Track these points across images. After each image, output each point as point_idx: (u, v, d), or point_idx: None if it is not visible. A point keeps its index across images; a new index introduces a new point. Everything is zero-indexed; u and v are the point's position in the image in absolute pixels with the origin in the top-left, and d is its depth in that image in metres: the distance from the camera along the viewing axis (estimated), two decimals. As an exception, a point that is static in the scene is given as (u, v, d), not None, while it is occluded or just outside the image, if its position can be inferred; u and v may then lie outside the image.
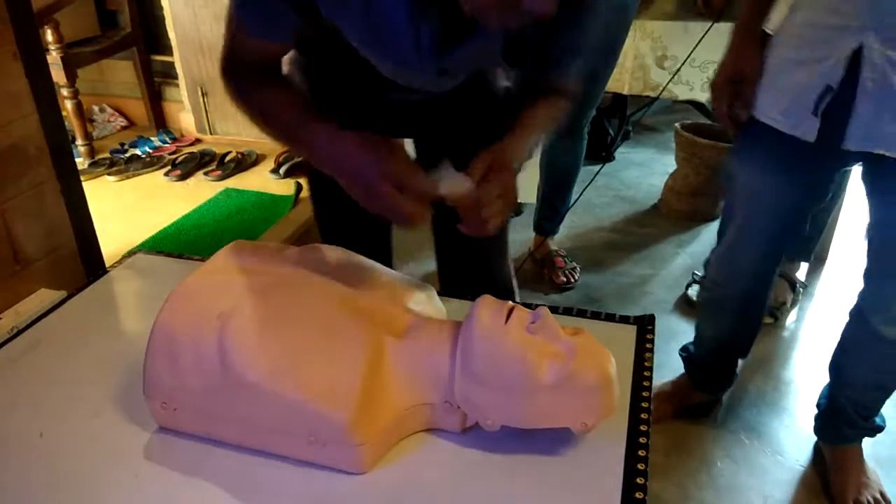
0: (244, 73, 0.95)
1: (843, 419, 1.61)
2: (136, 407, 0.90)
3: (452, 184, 0.88)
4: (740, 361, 1.83)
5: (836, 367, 1.60)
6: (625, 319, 1.09)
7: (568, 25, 0.94)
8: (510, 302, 0.85)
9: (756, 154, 1.43)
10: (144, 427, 0.89)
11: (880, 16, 1.12)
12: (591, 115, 2.23)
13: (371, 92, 1.11)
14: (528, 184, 2.73)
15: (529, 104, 1.03)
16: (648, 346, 1.03)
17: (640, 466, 0.82)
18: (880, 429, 1.60)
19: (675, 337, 2.00)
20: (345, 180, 0.87)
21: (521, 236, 2.71)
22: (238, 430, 0.84)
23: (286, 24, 0.90)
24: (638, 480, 0.80)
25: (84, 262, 1.57)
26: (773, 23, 1.35)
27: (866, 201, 1.39)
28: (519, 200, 2.82)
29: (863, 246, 1.43)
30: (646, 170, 3.26)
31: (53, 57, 2.84)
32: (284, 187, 2.82)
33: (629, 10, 2.05)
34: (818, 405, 1.68)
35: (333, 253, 0.98)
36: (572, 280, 2.40)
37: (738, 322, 1.69)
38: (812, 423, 1.71)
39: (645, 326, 1.07)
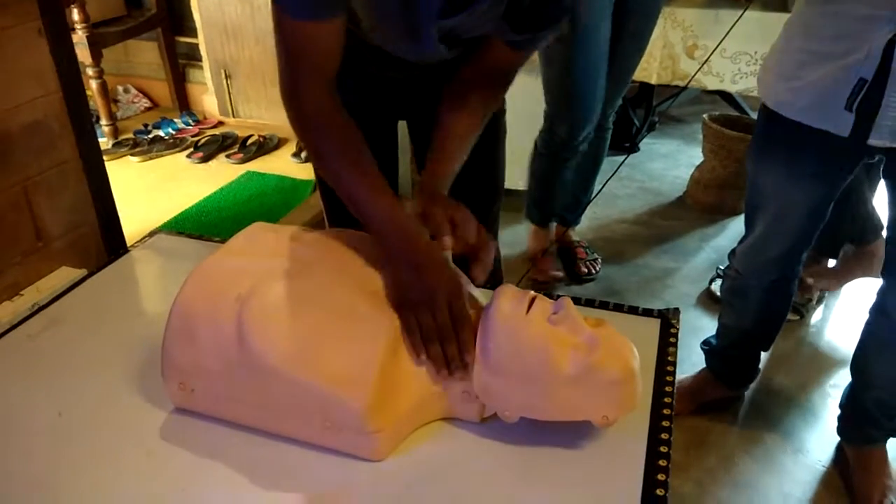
0: (310, 106, 0.93)
1: (866, 420, 1.57)
2: (153, 387, 0.90)
3: None
4: (763, 356, 1.79)
5: (857, 366, 1.56)
6: (648, 312, 1.07)
7: None
8: (532, 292, 0.83)
9: (779, 150, 1.38)
10: (161, 407, 0.89)
11: None
12: (617, 105, 2.19)
13: (373, 71, 1.11)
14: (515, 169, 2.70)
15: (465, 100, 1.03)
16: (672, 340, 1.01)
17: (662, 462, 0.80)
18: None
19: (697, 332, 1.97)
20: (406, 275, 0.85)
21: (516, 224, 2.69)
22: (254, 412, 0.83)
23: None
24: (659, 477, 0.78)
25: (105, 242, 1.58)
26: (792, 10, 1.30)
27: (888, 196, 1.36)
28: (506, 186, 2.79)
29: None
30: (671, 161, 3.21)
31: (79, 36, 2.85)
32: (305, 171, 2.81)
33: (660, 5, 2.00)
34: (841, 405, 1.65)
35: (353, 237, 0.97)
36: (593, 271, 2.37)
37: (762, 314, 1.66)
38: (835, 423, 1.68)
39: (669, 320, 1.05)
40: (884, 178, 1.36)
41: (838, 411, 1.66)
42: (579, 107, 2.00)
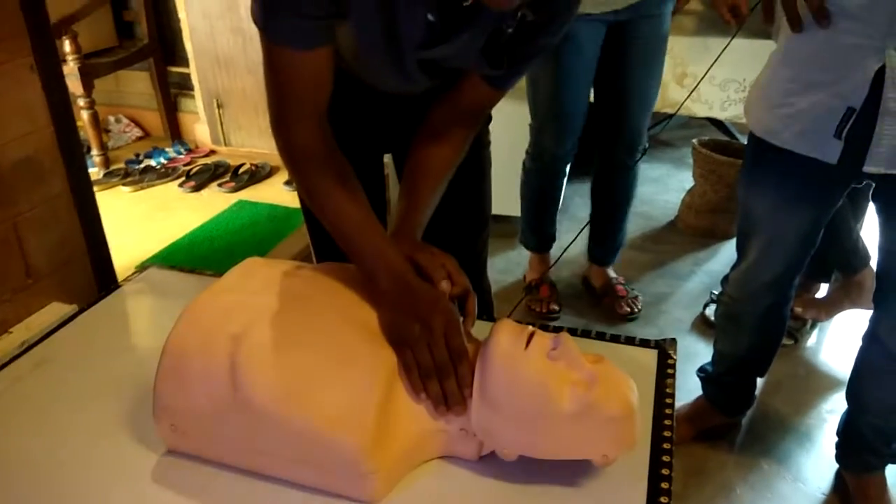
0: (300, 140, 0.92)
1: (864, 447, 1.56)
2: (144, 428, 0.88)
3: None
4: (759, 382, 1.78)
5: (853, 393, 1.56)
6: (645, 343, 1.06)
7: (541, 28, 0.93)
8: (530, 327, 0.83)
9: (769, 177, 1.39)
10: (153, 449, 0.87)
11: None
12: (644, 139, 2.14)
13: (357, 105, 1.11)
14: (510, 195, 2.69)
15: (438, 142, 1.03)
16: (670, 371, 1.00)
17: (664, 500, 0.79)
18: None
19: (693, 358, 1.97)
20: (400, 311, 0.85)
21: (509, 250, 2.69)
22: (248, 454, 0.82)
23: (314, 25, 0.86)
24: (661, 515, 0.77)
25: (96, 276, 1.56)
26: (778, 39, 1.31)
27: (877, 220, 1.37)
28: (498, 213, 2.78)
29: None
30: (661, 186, 3.22)
31: (70, 67, 2.86)
32: (298, 200, 2.81)
33: (664, 31, 1.99)
34: (838, 433, 1.64)
35: (348, 272, 0.96)
36: (636, 310, 2.32)
37: (757, 339, 1.66)
38: (833, 449, 1.67)
39: (665, 351, 1.04)
40: (873, 201, 1.36)
41: (835, 438, 1.65)
42: (564, 119, 2.05)
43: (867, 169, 1.19)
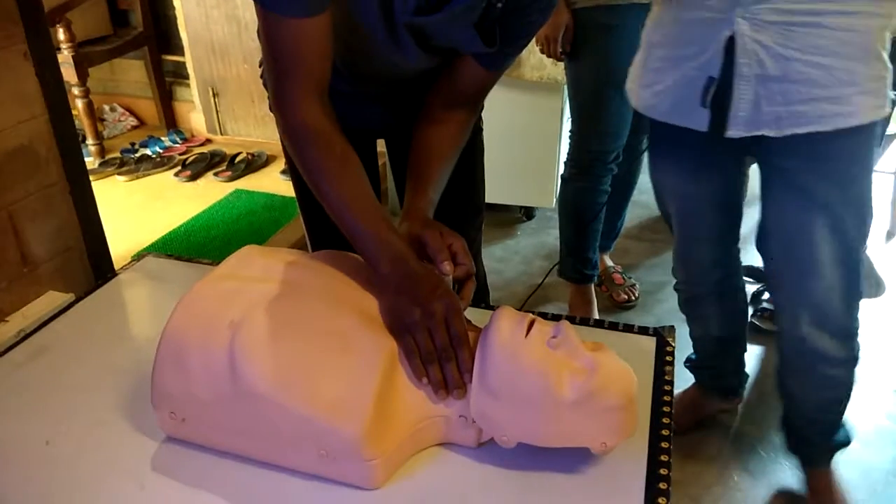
0: (301, 117, 0.91)
1: (802, 440, 1.57)
2: (143, 416, 0.88)
3: None
4: (752, 366, 1.78)
5: (781, 388, 1.56)
6: (644, 331, 1.06)
7: (532, 3, 0.93)
8: (531, 314, 0.83)
9: (663, 152, 1.46)
10: (152, 437, 0.87)
11: (746, 4, 1.14)
12: (649, 132, 2.13)
13: (349, 89, 1.10)
14: (543, 188, 2.69)
15: (441, 123, 1.03)
16: (668, 359, 1.00)
17: (662, 486, 0.79)
18: (845, 444, 1.55)
19: (690, 346, 1.97)
20: (400, 295, 0.84)
21: (533, 240, 2.69)
22: (247, 442, 0.82)
23: None
24: (660, 501, 0.77)
25: (93, 265, 1.56)
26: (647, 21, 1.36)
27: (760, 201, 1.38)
28: (531, 205, 2.79)
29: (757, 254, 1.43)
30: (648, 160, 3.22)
31: (65, 56, 2.84)
32: (293, 189, 2.80)
33: None
34: (781, 430, 1.63)
35: (346, 259, 0.96)
36: (633, 297, 2.32)
37: (721, 314, 1.66)
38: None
39: (664, 338, 1.04)
40: (759, 167, 1.38)
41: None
42: (611, 117, 1.94)
43: (729, 134, 1.23)
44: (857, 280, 1.34)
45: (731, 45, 1.17)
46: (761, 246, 1.45)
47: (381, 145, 1.30)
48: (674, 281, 1.68)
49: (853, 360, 1.42)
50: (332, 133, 0.92)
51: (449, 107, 1.04)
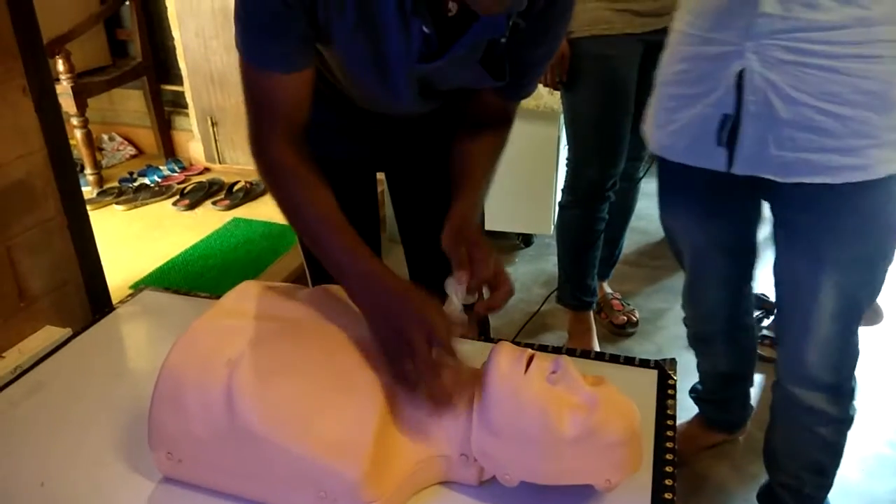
0: (276, 156, 0.92)
1: None
2: (140, 455, 0.87)
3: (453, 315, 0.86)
4: (755, 394, 1.77)
5: (767, 452, 1.51)
6: (645, 363, 1.06)
7: (538, 36, 0.94)
8: (530, 350, 0.82)
9: (676, 195, 1.42)
10: (149, 477, 0.86)
11: (757, 38, 1.09)
12: (646, 159, 2.11)
13: (352, 124, 1.11)
14: (541, 215, 2.69)
15: (474, 139, 1.03)
16: (671, 392, 0.99)
17: (667, 524, 0.78)
18: None
19: (692, 375, 1.94)
20: (377, 324, 0.83)
21: (531, 267, 2.68)
22: (245, 482, 0.80)
23: (294, 49, 0.88)
24: (665, 540, 0.76)
25: (90, 298, 1.55)
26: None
27: (774, 246, 1.33)
28: (529, 232, 2.79)
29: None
30: (657, 201, 3.22)
31: (64, 87, 2.85)
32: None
33: None
34: (758, 498, 1.58)
35: (345, 295, 0.95)
36: (632, 321, 2.31)
37: (730, 352, 1.65)
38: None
39: (665, 371, 1.04)
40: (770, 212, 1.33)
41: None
42: (608, 144, 1.94)
43: (734, 171, 1.18)
44: (856, 339, 1.29)
45: (741, 81, 1.12)
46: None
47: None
48: (674, 308, 1.67)
49: (846, 420, 1.36)
50: (303, 172, 0.92)
51: (477, 132, 1.04)
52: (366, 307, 0.85)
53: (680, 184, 1.38)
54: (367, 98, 1.02)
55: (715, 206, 1.36)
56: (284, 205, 0.94)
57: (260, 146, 0.93)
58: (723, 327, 1.58)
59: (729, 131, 1.16)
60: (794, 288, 1.29)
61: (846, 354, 1.30)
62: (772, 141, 1.12)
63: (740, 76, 1.12)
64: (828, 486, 1.45)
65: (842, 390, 1.33)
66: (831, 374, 1.30)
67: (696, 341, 1.69)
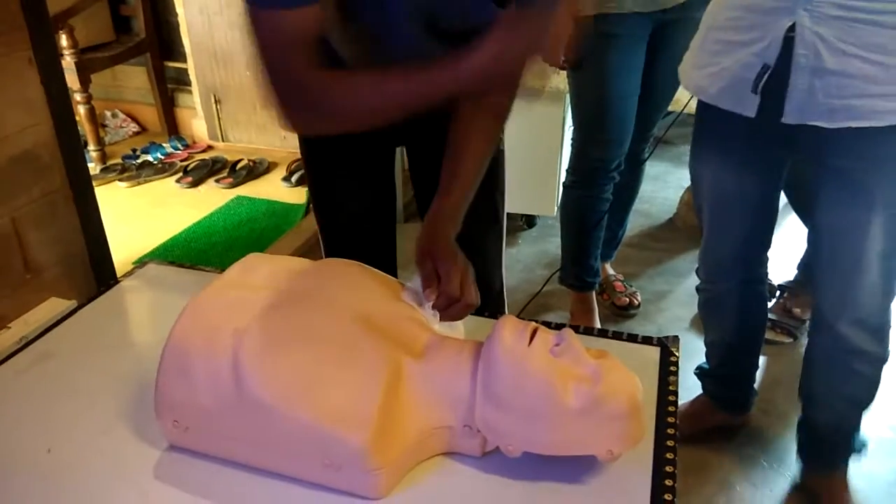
0: (308, 80, 0.86)
1: (822, 445, 1.57)
2: (146, 424, 0.88)
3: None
4: (759, 379, 1.78)
5: (805, 390, 1.57)
6: (648, 340, 1.06)
7: None
8: (533, 323, 0.82)
9: (707, 141, 1.47)
10: (155, 445, 0.86)
11: None
12: (651, 137, 2.13)
13: None
14: (544, 196, 2.69)
15: (472, 121, 1.02)
16: (673, 368, 1.00)
17: (668, 497, 0.79)
18: (859, 451, 1.57)
19: (693, 356, 1.96)
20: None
21: (534, 248, 2.69)
22: (251, 450, 0.81)
23: None
24: (665, 511, 0.77)
25: (95, 271, 1.56)
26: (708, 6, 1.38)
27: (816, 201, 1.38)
28: (532, 213, 2.79)
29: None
30: (661, 183, 3.22)
31: (67, 62, 2.85)
32: (296, 195, 2.81)
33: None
34: (798, 434, 1.64)
35: (351, 268, 0.96)
36: (634, 303, 2.32)
37: (740, 321, 1.66)
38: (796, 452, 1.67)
39: (668, 348, 1.04)
40: (810, 169, 1.38)
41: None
42: (613, 124, 1.93)
43: (784, 120, 1.25)
44: (895, 278, 1.36)
45: (790, 35, 1.20)
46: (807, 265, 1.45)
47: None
48: (676, 290, 1.68)
49: (884, 357, 1.44)
50: (341, 72, 0.88)
51: (475, 115, 1.03)
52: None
53: (714, 131, 1.43)
54: (376, 53, 0.98)
55: (751, 156, 1.41)
56: (350, 103, 0.87)
57: (287, 91, 0.85)
58: (735, 288, 1.60)
59: (766, 82, 1.24)
60: (844, 232, 1.35)
61: (891, 293, 1.38)
62: (819, 90, 1.20)
63: (789, 31, 1.19)
64: (861, 415, 1.53)
65: (885, 328, 1.42)
66: (879, 313, 1.40)
67: (707, 306, 1.71)
